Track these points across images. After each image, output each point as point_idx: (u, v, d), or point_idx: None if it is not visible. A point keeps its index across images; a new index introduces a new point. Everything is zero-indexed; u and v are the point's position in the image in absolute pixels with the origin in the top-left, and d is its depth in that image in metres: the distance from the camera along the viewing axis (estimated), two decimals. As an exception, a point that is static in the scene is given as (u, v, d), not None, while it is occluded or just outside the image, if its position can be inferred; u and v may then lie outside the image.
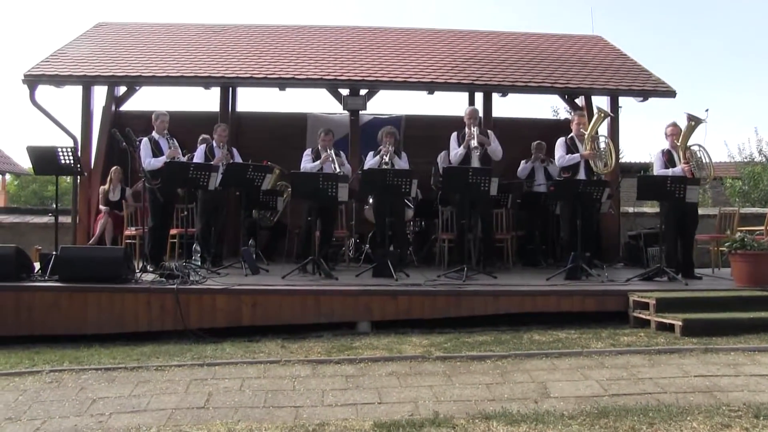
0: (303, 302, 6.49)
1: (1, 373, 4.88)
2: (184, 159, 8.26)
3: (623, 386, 4.41)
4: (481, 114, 9.61)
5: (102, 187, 9.86)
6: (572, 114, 9.10)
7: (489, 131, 8.43)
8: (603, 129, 9.68)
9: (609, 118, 9.38)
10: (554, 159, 9.40)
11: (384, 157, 8.25)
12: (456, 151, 8.24)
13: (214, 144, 8.56)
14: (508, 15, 69.74)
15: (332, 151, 8.34)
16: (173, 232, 8.67)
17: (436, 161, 9.26)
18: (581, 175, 8.08)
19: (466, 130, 8.18)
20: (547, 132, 9.95)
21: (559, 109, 18.35)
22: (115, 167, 9.81)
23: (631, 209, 11.49)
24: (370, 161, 8.34)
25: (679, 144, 7.87)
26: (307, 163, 8.34)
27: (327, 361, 5.05)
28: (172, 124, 8.26)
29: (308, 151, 8.54)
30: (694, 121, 7.69)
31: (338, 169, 8.09)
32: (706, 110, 7.63)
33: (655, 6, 63.70)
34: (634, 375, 4.64)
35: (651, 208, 11.82)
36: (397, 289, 6.67)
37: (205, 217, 8.41)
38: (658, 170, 8.07)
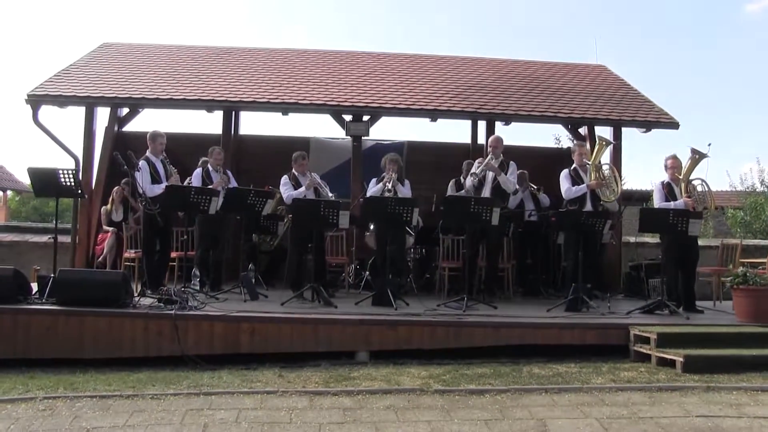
0: (301, 330, 6.43)
1: (-7, 400, 4.80)
2: (184, 183, 8.25)
3: (624, 425, 4.35)
4: (483, 141, 9.59)
5: (104, 207, 9.84)
6: (573, 145, 9.08)
7: (511, 162, 8.31)
8: (606, 157, 9.72)
9: (611, 145, 9.36)
10: (540, 188, 9.43)
11: (387, 184, 8.22)
12: (467, 180, 8.24)
13: (210, 168, 8.54)
14: (512, 44, 70.23)
15: (314, 175, 8.30)
16: (173, 255, 8.63)
17: (446, 186, 9.29)
18: (588, 205, 8.03)
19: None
20: (550, 161, 9.94)
21: (562, 137, 18.42)
22: (116, 187, 9.80)
23: (632, 239, 11.45)
24: (373, 188, 8.30)
25: (681, 177, 7.85)
26: (290, 191, 8.19)
27: (324, 393, 4.99)
28: (175, 146, 8.26)
29: (285, 179, 8.33)
30: (698, 155, 7.70)
31: (330, 194, 8.07)
32: (709, 144, 7.69)
33: (658, 37, 64.18)
34: (634, 413, 4.57)
35: (652, 238, 11.78)
36: (397, 319, 6.61)
37: (204, 243, 8.37)
38: (658, 203, 8.03)
